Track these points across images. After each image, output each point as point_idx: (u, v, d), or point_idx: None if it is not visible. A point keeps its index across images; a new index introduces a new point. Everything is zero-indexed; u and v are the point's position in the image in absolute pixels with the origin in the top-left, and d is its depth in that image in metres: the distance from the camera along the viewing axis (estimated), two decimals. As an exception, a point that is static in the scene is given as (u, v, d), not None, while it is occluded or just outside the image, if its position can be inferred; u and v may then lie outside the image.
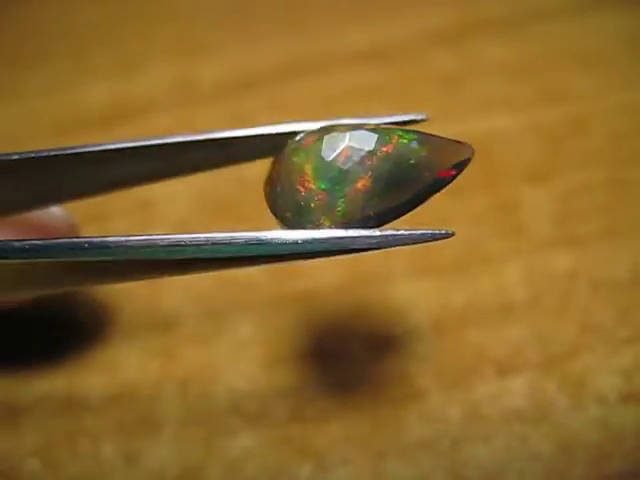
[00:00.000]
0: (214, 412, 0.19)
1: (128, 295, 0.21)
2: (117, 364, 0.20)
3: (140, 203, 0.23)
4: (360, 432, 0.18)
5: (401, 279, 0.21)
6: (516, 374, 0.19)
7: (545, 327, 0.20)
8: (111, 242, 0.13)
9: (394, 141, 0.14)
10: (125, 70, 0.28)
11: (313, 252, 0.14)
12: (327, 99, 0.26)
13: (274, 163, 0.15)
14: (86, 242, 0.13)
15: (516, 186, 0.23)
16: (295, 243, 0.13)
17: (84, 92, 0.27)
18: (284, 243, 0.13)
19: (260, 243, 0.13)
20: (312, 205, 0.14)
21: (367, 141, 0.14)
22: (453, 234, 0.14)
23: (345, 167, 0.14)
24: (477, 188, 0.23)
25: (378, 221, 0.14)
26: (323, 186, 0.14)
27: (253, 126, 0.16)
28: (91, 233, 0.14)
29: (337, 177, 0.14)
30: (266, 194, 0.15)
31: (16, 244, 0.13)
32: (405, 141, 0.14)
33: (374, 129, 0.14)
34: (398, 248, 0.14)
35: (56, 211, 0.18)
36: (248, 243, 0.13)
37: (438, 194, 0.15)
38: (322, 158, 0.14)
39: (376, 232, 0.14)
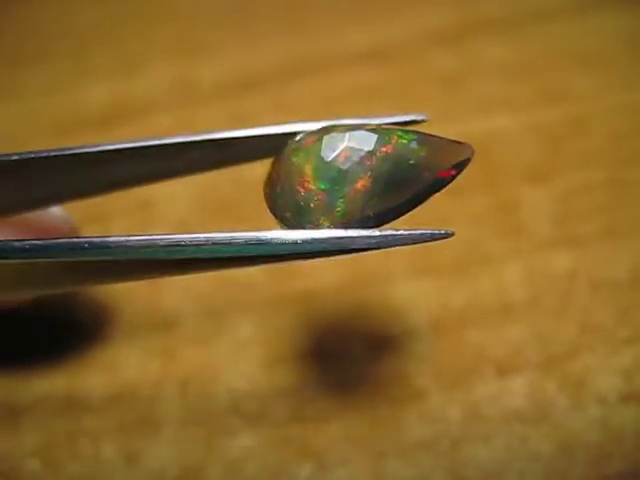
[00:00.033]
0: (214, 412, 0.19)
1: (128, 295, 0.21)
2: (117, 364, 0.20)
3: (140, 203, 0.23)
4: (360, 432, 0.18)
5: (401, 279, 0.21)
6: (516, 374, 0.19)
7: (545, 327, 0.20)
8: (111, 242, 0.13)
9: (394, 141, 0.14)
10: (125, 70, 0.28)
11: (313, 252, 0.14)
12: (327, 99, 0.26)
13: (274, 163, 0.15)
14: (86, 242, 0.13)
15: (516, 186, 0.23)
16: (295, 243, 0.13)
17: (84, 92, 0.27)
18: (284, 243, 0.13)
19: (260, 243, 0.13)
20: (312, 205, 0.14)
21: (366, 141, 0.14)
22: (453, 234, 0.14)
23: (344, 167, 0.14)
24: (477, 188, 0.23)
25: (378, 221, 0.14)
26: (322, 186, 0.14)
27: (253, 126, 0.16)
28: (91, 233, 0.14)
29: (336, 177, 0.14)
30: (266, 194, 0.15)
31: (16, 244, 0.13)
32: (405, 141, 0.14)
33: (374, 129, 0.14)
34: (398, 248, 0.14)
35: (56, 211, 0.18)
36: (248, 243, 0.13)
37: (438, 194, 0.15)
38: (322, 158, 0.14)
39: (376, 232, 0.14)
